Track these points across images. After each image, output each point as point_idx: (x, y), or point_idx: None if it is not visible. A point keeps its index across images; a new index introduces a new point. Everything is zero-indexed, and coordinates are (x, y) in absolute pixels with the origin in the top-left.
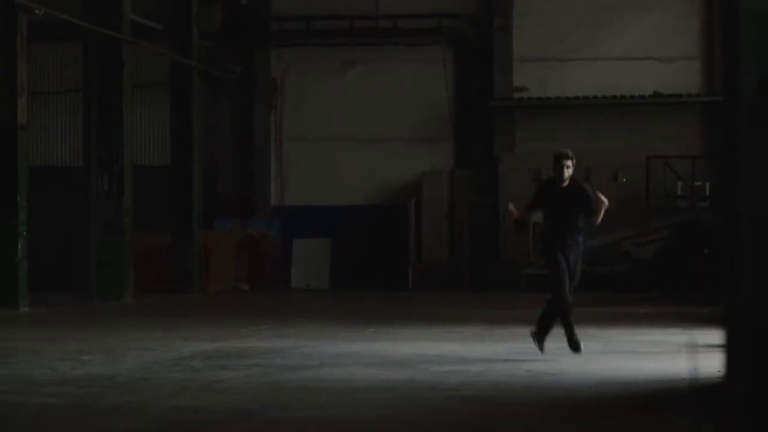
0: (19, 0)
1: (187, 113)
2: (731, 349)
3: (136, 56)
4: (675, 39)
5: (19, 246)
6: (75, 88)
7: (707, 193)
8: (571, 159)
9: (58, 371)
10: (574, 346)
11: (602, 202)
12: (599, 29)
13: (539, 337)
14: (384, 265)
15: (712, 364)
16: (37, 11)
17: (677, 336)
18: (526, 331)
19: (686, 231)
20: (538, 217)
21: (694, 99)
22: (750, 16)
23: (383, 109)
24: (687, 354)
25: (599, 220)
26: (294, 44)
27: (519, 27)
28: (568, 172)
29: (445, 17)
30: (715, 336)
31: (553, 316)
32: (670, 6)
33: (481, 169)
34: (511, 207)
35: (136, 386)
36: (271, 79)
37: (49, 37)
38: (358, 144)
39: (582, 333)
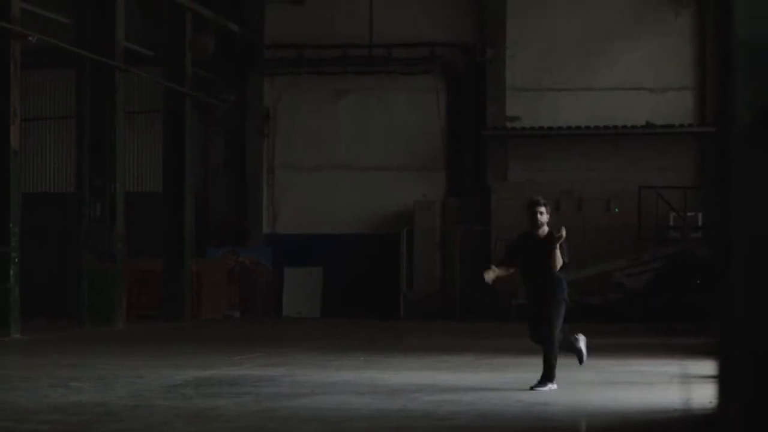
0: (12, 26)
1: (180, 140)
2: (723, 380)
3: (129, 83)
4: (668, 69)
5: (11, 272)
6: (68, 114)
7: (699, 223)
8: (545, 205)
9: (49, 398)
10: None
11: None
12: (592, 59)
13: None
14: (375, 293)
15: (704, 394)
16: (30, 38)
17: (669, 367)
18: (517, 360)
19: (678, 261)
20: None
21: (687, 129)
22: (744, 46)
23: (376, 138)
24: (679, 385)
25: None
26: (287, 72)
27: (512, 57)
28: (542, 219)
29: (438, 46)
30: (707, 367)
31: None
32: (663, 37)
33: (473, 199)
34: (489, 275)
35: (128, 414)
36: (263, 107)
37: (42, 63)
38: (350, 172)
39: (574, 363)
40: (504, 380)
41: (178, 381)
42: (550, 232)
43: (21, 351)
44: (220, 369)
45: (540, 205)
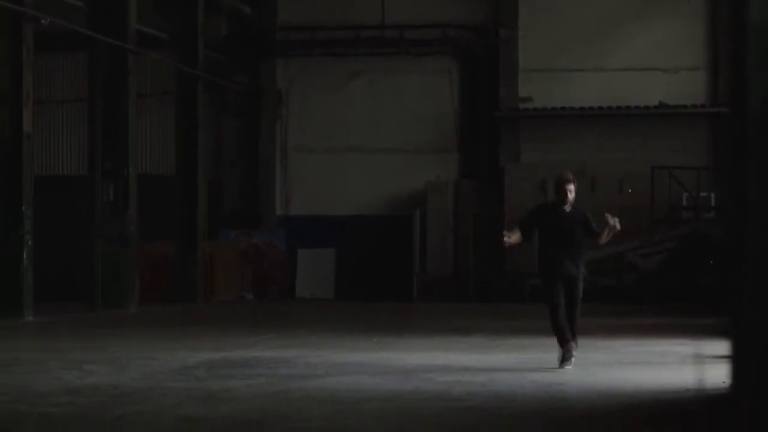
0: (25, 9)
1: (193, 123)
2: (737, 359)
3: (142, 66)
4: (680, 50)
5: (24, 255)
6: (80, 97)
7: (712, 204)
8: (574, 183)
9: (63, 381)
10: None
11: (612, 228)
12: (604, 40)
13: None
14: (389, 275)
15: (717, 374)
16: (42, 20)
17: (683, 347)
18: (531, 341)
19: (691, 242)
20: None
21: (700, 110)
22: (757, 29)
23: (388, 120)
24: (692, 365)
25: (604, 241)
26: (299, 54)
27: (524, 38)
28: (571, 197)
29: (451, 28)
30: (721, 347)
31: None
32: (675, 17)
33: (486, 180)
34: (510, 238)
35: (141, 396)
36: (276, 90)
37: (54, 46)
38: (363, 154)
39: (587, 344)
40: (518, 361)
41: (192, 363)
42: (575, 208)
43: (34, 334)
44: (233, 351)
45: (570, 182)
